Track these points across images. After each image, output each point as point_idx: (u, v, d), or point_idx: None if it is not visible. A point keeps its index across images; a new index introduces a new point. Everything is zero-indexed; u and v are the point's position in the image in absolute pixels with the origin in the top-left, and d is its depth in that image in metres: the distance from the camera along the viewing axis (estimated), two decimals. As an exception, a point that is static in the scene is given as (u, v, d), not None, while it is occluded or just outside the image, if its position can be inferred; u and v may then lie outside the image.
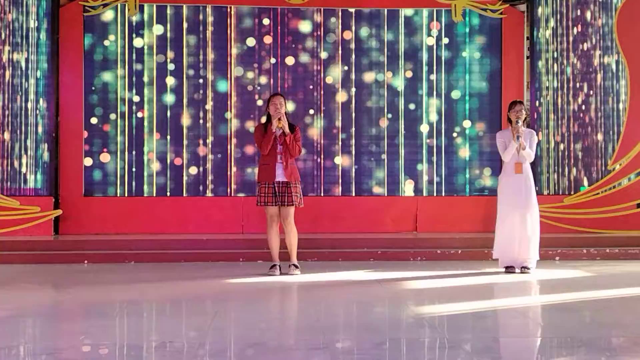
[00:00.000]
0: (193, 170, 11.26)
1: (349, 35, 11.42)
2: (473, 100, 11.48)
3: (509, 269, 8.36)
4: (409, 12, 11.46)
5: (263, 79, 11.33)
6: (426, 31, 11.47)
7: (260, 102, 11.28)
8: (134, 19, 11.20)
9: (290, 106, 11.06)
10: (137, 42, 11.21)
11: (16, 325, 5.80)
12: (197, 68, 11.29)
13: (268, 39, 11.34)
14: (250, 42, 11.33)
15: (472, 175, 11.47)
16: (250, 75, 11.32)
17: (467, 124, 11.46)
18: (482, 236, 10.25)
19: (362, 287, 7.81)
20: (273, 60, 11.31)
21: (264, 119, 8.64)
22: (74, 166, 11.04)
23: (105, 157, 11.16)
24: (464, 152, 11.46)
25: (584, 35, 11.09)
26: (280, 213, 8.24)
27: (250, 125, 11.24)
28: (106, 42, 11.19)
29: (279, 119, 8.11)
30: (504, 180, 8.47)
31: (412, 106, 11.45)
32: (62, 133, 11.05)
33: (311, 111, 11.33)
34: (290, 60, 11.35)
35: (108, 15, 11.19)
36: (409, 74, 11.44)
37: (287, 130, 8.15)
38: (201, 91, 11.29)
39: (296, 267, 8.32)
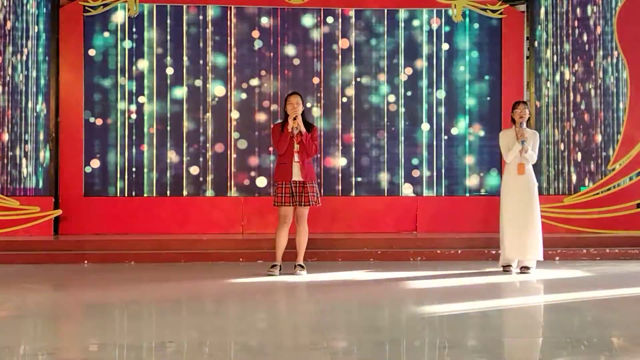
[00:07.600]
0: (193, 170, 11.25)
1: (348, 35, 11.42)
2: (473, 100, 11.47)
3: (506, 268, 8.38)
4: (408, 12, 11.46)
5: (263, 79, 11.33)
6: (426, 31, 11.47)
7: (257, 101, 11.30)
8: (134, 18, 11.20)
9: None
10: (137, 42, 11.21)
11: (16, 325, 5.80)
12: (197, 67, 11.28)
13: (268, 39, 11.34)
14: (250, 42, 11.34)
15: (472, 175, 11.47)
16: (250, 75, 11.32)
17: (467, 123, 11.45)
18: (482, 236, 10.26)
19: (362, 287, 7.82)
20: (273, 60, 11.31)
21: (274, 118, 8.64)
22: (74, 166, 11.04)
23: (105, 157, 11.16)
24: (464, 152, 11.45)
25: (583, 35, 11.09)
26: (295, 213, 8.25)
27: (251, 125, 11.26)
28: (106, 42, 11.20)
29: (294, 118, 8.14)
30: (507, 181, 8.48)
31: (411, 106, 11.44)
32: (62, 133, 11.05)
33: (311, 111, 11.32)
34: (290, 60, 11.35)
35: (108, 15, 11.19)
36: (409, 74, 11.43)
37: (303, 129, 8.18)
38: (201, 91, 11.29)
39: (302, 267, 8.33)
